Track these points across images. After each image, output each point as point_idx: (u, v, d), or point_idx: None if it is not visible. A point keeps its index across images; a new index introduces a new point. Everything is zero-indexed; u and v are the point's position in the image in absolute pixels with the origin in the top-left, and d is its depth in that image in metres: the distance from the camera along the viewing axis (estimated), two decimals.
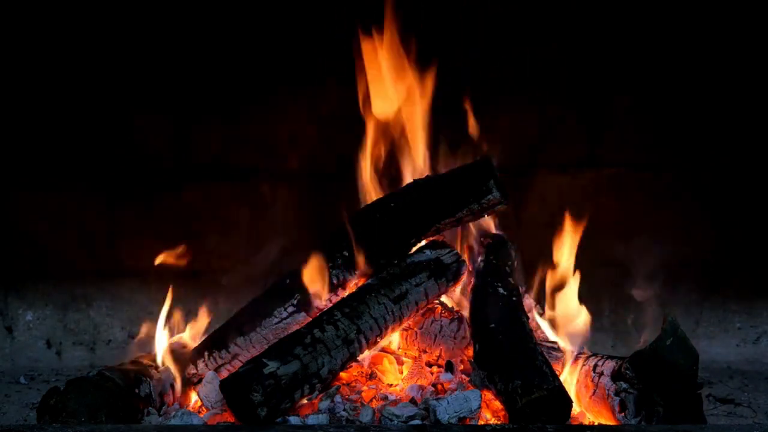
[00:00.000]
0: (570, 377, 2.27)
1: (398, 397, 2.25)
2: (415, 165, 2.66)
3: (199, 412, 2.27)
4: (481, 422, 2.10)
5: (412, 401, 2.19)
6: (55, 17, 3.11)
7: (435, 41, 2.77)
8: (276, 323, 2.40)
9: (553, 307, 2.54)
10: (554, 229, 2.65)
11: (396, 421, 2.08)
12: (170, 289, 2.52)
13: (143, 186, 3.20)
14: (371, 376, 2.37)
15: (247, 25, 3.14)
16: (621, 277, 3.02)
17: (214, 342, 2.44)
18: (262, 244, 3.09)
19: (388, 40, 2.66)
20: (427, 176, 2.55)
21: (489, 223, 2.65)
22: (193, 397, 2.38)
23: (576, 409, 2.20)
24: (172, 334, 2.51)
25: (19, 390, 2.86)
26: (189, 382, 2.39)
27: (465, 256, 2.54)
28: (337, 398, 2.19)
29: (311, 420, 2.09)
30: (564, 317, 2.49)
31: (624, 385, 2.10)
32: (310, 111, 3.17)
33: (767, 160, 3.22)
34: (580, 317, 2.46)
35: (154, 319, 2.54)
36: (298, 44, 3.15)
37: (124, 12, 3.11)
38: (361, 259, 2.43)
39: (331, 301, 2.42)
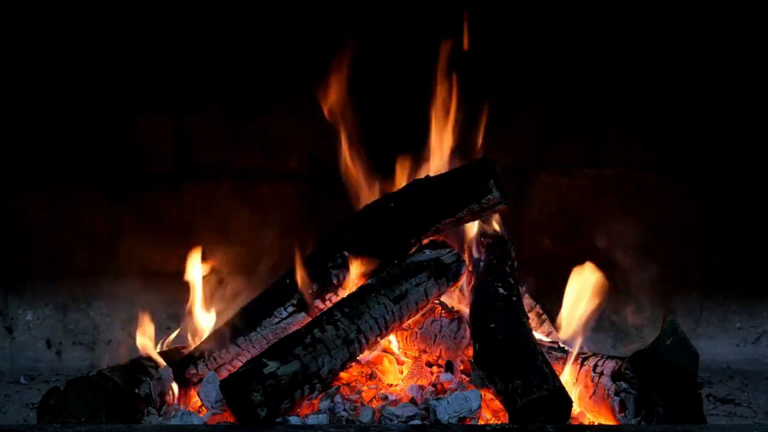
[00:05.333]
0: (570, 377, 2.26)
1: (398, 397, 2.25)
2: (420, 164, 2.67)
3: (199, 412, 2.27)
4: (481, 422, 2.10)
5: (412, 401, 2.19)
6: (60, 22, 3.10)
7: (435, 42, 2.78)
8: (276, 323, 2.40)
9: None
10: (554, 229, 2.66)
11: (396, 421, 2.08)
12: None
13: (143, 186, 3.20)
14: (371, 376, 2.37)
15: (247, 25, 3.14)
16: (621, 277, 3.03)
17: (214, 342, 2.44)
18: (262, 243, 3.10)
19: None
20: (427, 176, 2.55)
21: (489, 222, 2.65)
22: (193, 397, 2.38)
23: (576, 409, 2.20)
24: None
25: (19, 390, 2.86)
26: (189, 382, 2.39)
27: (465, 256, 2.54)
28: (337, 398, 2.19)
29: (311, 420, 2.09)
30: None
31: (624, 385, 2.10)
32: (310, 111, 3.16)
33: (767, 160, 3.22)
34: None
35: (155, 320, 2.54)
36: (298, 43, 3.15)
37: (126, 14, 3.11)
38: (361, 259, 2.43)
39: (331, 301, 2.42)
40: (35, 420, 2.12)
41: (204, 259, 2.72)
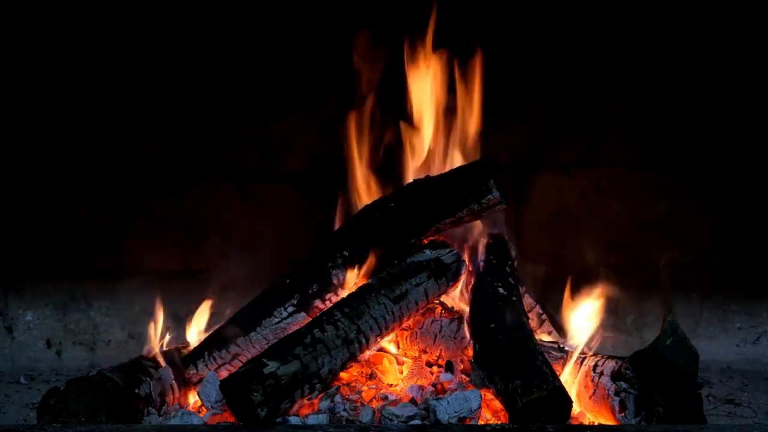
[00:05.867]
0: (570, 377, 2.26)
1: (398, 397, 2.25)
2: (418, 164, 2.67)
3: (199, 412, 2.27)
4: (481, 422, 2.10)
5: (412, 401, 2.19)
6: (64, 25, 3.10)
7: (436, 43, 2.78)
8: (276, 323, 2.41)
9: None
10: (554, 229, 2.66)
11: (396, 421, 2.08)
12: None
13: (144, 186, 3.20)
14: (371, 376, 2.37)
15: (247, 25, 3.14)
16: (621, 277, 3.03)
17: (214, 342, 2.44)
18: (262, 244, 3.10)
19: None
20: (427, 176, 2.55)
21: (489, 223, 2.65)
22: (193, 397, 2.38)
23: (576, 409, 2.20)
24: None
25: (19, 390, 2.86)
26: (189, 382, 2.39)
27: (465, 256, 2.54)
28: (337, 398, 2.19)
29: (311, 420, 2.09)
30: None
31: (624, 385, 2.10)
32: (310, 112, 3.17)
33: (767, 160, 3.21)
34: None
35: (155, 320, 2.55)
36: (299, 43, 3.15)
37: (128, 15, 3.11)
38: (361, 259, 2.43)
39: (331, 301, 2.42)
40: (35, 420, 2.12)
41: (204, 259, 2.73)
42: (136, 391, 2.21)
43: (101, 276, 3.22)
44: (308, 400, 2.15)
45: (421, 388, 2.30)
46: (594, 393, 2.18)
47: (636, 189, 3.24)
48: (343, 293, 2.42)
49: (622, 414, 2.08)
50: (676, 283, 3.23)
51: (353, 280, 2.44)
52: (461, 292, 2.53)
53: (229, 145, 3.21)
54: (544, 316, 2.64)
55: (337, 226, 2.67)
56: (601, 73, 3.18)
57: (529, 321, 2.37)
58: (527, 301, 2.59)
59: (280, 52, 3.15)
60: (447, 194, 2.44)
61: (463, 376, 2.33)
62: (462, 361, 2.39)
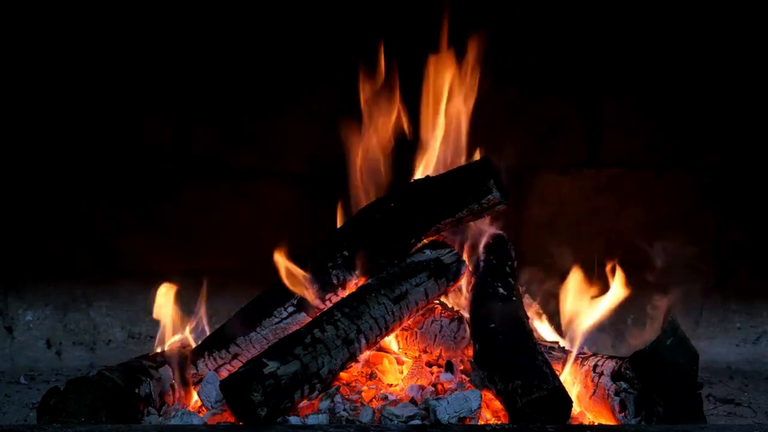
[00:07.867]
0: (570, 377, 2.26)
1: (398, 397, 2.25)
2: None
3: (199, 412, 2.27)
4: (481, 422, 2.10)
5: (412, 401, 2.19)
6: (62, 22, 3.10)
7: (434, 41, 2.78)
8: (276, 323, 2.41)
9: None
10: (554, 229, 2.66)
11: (396, 421, 2.08)
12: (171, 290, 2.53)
13: (143, 186, 3.20)
14: (371, 376, 2.37)
15: (247, 26, 3.14)
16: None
17: (214, 342, 2.44)
18: (261, 243, 3.10)
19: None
20: (427, 176, 2.55)
21: (489, 223, 2.65)
22: (193, 397, 2.38)
23: (576, 409, 2.20)
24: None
25: (19, 390, 2.86)
26: (189, 382, 2.39)
27: (465, 256, 2.54)
28: (337, 398, 2.19)
29: (311, 420, 2.09)
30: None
31: (624, 385, 2.10)
32: (310, 111, 3.17)
33: (767, 160, 3.21)
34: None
35: (154, 319, 2.55)
36: (298, 43, 3.15)
37: (127, 13, 3.11)
38: (361, 259, 2.43)
39: (331, 301, 2.42)
40: (35, 420, 2.12)
41: (204, 259, 2.72)
42: (136, 391, 2.21)
43: (101, 276, 3.22)
44: (308, 400, 2.15)
45: (421, 388, 2.30)
46: (594, 393, 2.18)
47: (636, 189, 3.24)
48: (343, 293, 2.42)
49: (622, 414, 2.09)
50: (676, 283, 3.22)
51: (353, 280, 2.44)
52: (461, 292, 2.53)
53: (228, 145, 3.21)
54: (544, 316, 2.64)
55: (337, 226, 2.67)
56: (601, 74, 3.18)
57: (529, 321, 2.37)
58: (527, 300, 2.59)
59: (280, 52, 3.15)
60: (447, 194, 2.44)
61: (463, 376, 2.33)
62: (462, 361, 2.39)
